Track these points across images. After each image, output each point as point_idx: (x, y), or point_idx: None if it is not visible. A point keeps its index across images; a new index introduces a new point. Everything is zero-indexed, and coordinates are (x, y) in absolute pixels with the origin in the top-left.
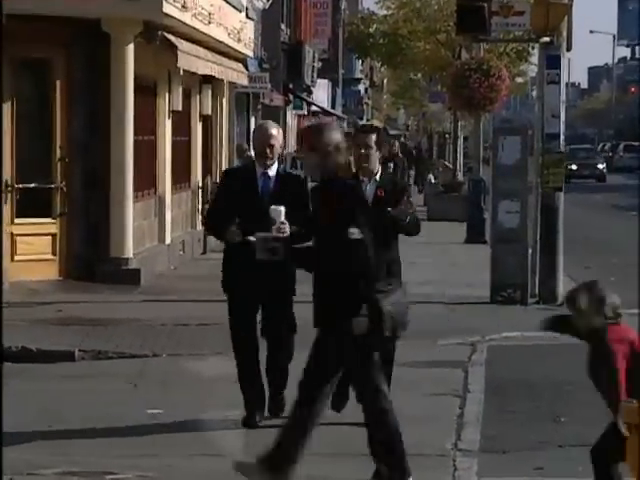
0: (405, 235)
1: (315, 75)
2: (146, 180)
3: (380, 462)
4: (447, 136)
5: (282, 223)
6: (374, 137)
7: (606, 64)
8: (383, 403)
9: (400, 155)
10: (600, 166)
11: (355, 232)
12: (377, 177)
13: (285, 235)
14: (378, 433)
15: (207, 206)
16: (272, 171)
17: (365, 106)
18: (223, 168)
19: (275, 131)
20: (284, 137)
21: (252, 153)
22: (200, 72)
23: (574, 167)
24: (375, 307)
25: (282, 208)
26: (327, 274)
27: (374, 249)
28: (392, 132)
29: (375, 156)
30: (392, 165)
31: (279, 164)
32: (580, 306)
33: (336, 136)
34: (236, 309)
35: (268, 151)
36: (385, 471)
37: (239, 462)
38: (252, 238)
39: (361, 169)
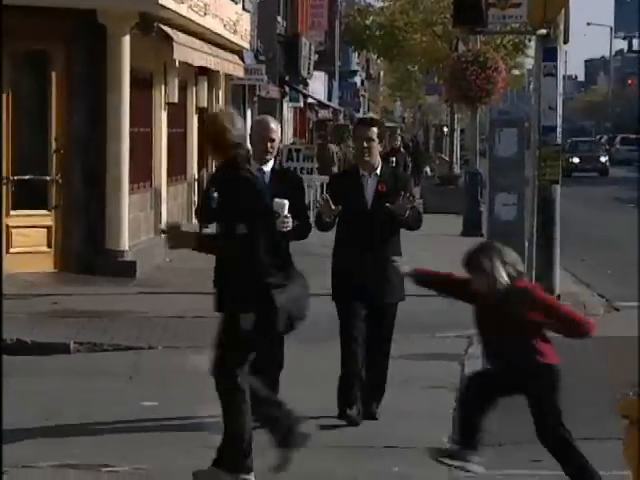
0: (406, 229)
1: (311, 67)
2: (142, 172)
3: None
4: (444, 129)
5: (286, 217)
6: (376, 130)
7: (603, 56)
8: (238, 397)
9: (402, 150)
10: (603, 159)
11: (241, 227)
12: (378, 171)
13: (288, 229)
14: (226, 417)
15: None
16: (267, 166)
17: (362, 98)
18: None
19: (275, 126)
20: (280, 130)
21: (248, 146)
22: (196, 64)
23: (576, 160)
24: (269, 305)
25: (286, 201)
26: (221, 265)
27: (275, 243)
28: (388, 124)
29: (377, 149)
30: (394, 160)
31: (275, 158)
32: (483, 268)
33: (227, 125)
34: None
35: (268, 146)
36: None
37: (197, 472)
38: (163, 226)
39: (361, 163)
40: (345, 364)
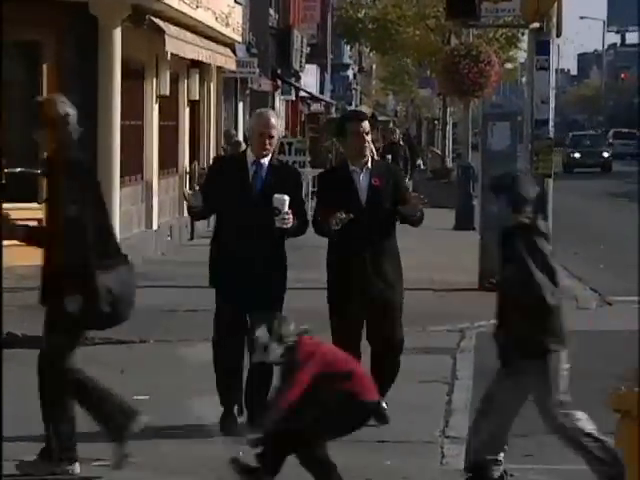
0: (410, 226)
1: (304, 60)
2: (133, 165)
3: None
4: (436, 122)
5: (287, 213)
6: (367, 123)
7: (596, 50)
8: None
9: (401, 143)
10: (605, 154)
11: (72, 209)
12: (369, 165)
13: (289, 226)
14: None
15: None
16: (265, 160)
17: (354, 92)
18: (211, 153)
19: (275, 121)
20: (280, 123)
21: (240, 139)
22: (188, 57)
23: (577, 155)
24: (89, 283)
25: (286, 197)
26: (48, 249)
27: (96, 226)
28: (381, 118)
29: (370, 143)
30: (389, 158)
31: (273, 155)
32: (268, 342)
33: (62, 111)
34: (225, 309)
35: (267, 142)
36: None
37: (21, 462)
38: None
39: (358, 158)
40: None
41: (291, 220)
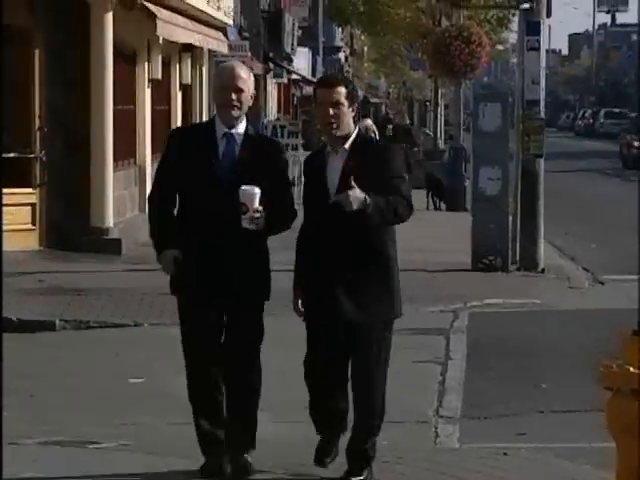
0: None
1: (295, 43)
2: (126, 149)
3: None
4: (428, 104)
5: (256, 210)
6: (344, 90)
7: (586, 30)
8: None
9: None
10: None
11: None
12: (348, 145)
13: (259, 227)
14: None
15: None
16: (238, 131)
17: (346, 74)
18: None
19: (244, 73)
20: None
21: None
22: (179, 41)
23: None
24: None
25: (257, 190)
26: None
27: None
28: (373, 100)
29: (349, 116)
30: (391, 127)
31: (249, 123)
32: None
33: None
34: (194, 318)
35: (234, 97)
36: None
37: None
38: None
39: (330, 136)
40: (319, 406)
41: (262, 220)
